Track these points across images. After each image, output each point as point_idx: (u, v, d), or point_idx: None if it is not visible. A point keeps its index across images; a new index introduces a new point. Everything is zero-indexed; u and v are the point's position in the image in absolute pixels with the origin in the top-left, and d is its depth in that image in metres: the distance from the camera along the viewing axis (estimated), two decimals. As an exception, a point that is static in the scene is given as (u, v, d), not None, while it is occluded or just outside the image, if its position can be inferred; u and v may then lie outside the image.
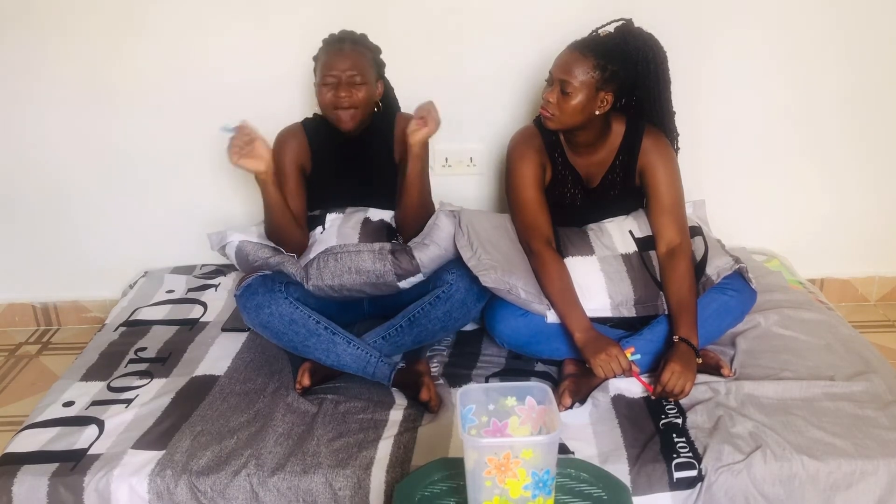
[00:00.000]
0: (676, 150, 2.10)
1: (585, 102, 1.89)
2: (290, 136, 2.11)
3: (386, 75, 2.12)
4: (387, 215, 2.13)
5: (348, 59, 1.97)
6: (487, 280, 1.90)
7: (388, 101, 2.16)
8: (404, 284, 2.00)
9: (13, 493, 1.64)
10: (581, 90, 1.87)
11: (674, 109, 2.05)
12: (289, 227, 2.02)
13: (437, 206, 2.24)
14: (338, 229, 2.06)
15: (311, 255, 2.01)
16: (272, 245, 2.05)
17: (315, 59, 2.05)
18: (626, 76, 1.92)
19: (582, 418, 1.79)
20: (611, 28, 1.96)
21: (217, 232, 2.10)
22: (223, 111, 2.44)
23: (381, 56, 2.09)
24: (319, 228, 2.09)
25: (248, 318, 1.96)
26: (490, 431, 1.30)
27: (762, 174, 2.58)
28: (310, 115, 2.17)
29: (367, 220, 2.10)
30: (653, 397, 1.82)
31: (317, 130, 2.12)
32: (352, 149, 2.09)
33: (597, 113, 1.92)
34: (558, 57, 1.92)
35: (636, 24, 1.97)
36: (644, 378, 1.85)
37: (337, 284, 1.97)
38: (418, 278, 2.00)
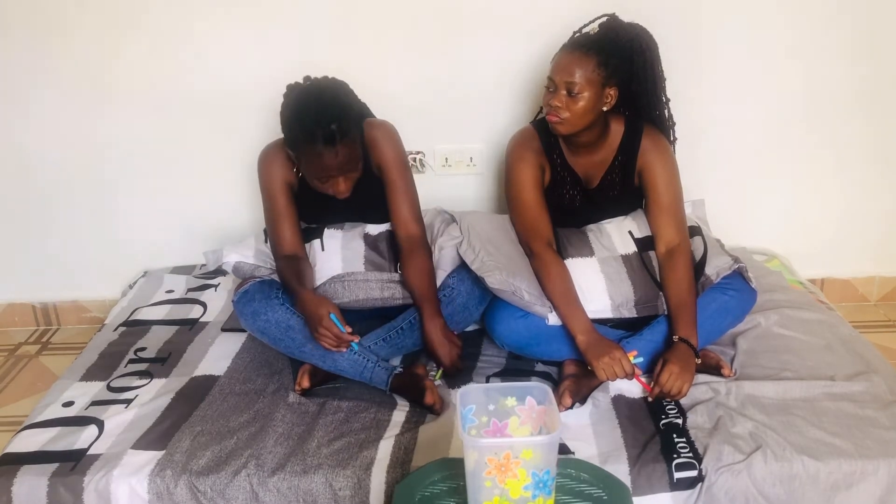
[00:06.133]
0: (674, 140, 2.10)
1: (595, 101, 1.88)
2: (273, 156, 2.01)
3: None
4: (386, 226, 2.11)
5: (340, 158, 1.82)
6: (493, 281, 1.90)
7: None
8: (411, 304, 2.01)
9: (13, 493, 1.64)
10: (588, 89, 1.86)
11: (668, 96, 2.04)
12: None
13: (436, 209, 2.25)
14: (341, 252, 2.05)
15: (317, 281, 2.01)
16: (269, 267, 2.05)
17: (293, 142, 1.86)
18: (626, 69, 1.92)
19: (582, 418, 1.79)
20: (595, 25, 1.97)
21: (213, 251, 2.11)
22: (223, 111, 2.47)
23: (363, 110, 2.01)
24: (318, 244, 2.07)
25: (246, 324, 1.96)
26: (490, 431, 1.30)
27: (762, 174, 2.58)
28: None
29: (367, 236, 2.09)
30: (650, 399, 1.82)
31: None
32: None
33: (604, 109, 1.92)
34: (557, 61, 1.91)
35: (638, 25, 1.97)
36: (644, 379, 1.84)
37: (343, 309, 1.98)
38: None
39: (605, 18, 1.96)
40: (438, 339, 1.92)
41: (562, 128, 1.91)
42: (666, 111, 2.05)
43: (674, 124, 2.09)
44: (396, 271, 2.05)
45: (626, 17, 1.98)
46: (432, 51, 2.39)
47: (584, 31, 1.97)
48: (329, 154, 1.81)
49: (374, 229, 2.11)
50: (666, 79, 2.01)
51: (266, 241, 2.14)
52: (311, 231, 2.09)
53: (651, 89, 1.98)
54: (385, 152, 2.01)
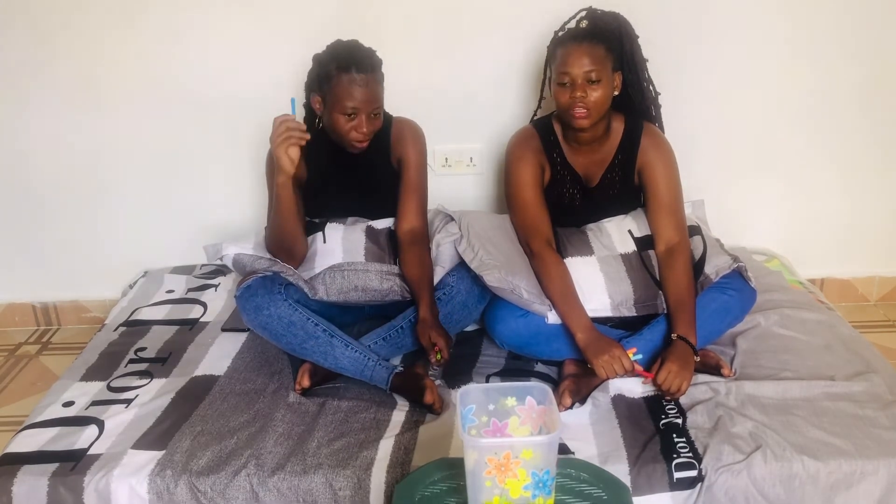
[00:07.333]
0: (661, 125, 2.12)
1: (610, 87, 1.92)
2: None
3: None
4: (389, 223, 2.13)
5: (369, 90, 1.91)
6: (491, 279, 1.90)
7: None
8: (409, 298, 2.02)
9: (13, 493, 1.64)
10: (604, 76, 1.89)
11: (649, 75, 2.07)
12: (297, 236, 2.02)
13: (436, 207, 2.25)
14: (342, 243, 2.06)
15: (317, 269, 2.02)
16: (269, 257, 2.05)
17: (324, 76, 1.93)
18: (621, 54, 1.96)
19: (582, 418, 1.79)
20: (572, 22, 2.01)
21: (213, 245, 2.11)
22: (223, 111, 2.47)
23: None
24: (320, 236, 2.08)
25: (248, 319, 1.96)
26: (490, 431, 1.30)
27: (762, 174, 2.58)
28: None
29: (370, 230, 2.11)
30: (651, 385, 1.81)
31: (310, 140, 2.06)
32: (349, 158, 2.06)
33: (615, 94, 1.96)
34: (566, 56, 1.89)
35: (618, 13, 2.01)
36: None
37: (342, 300, 1.99)
38: None
39: (584, 12, 2.00)
40: (430, 321, 1.90)
41: (587, 120, 1.92)
42: (651, 93, 2.07)
43: (660, 106, 2.11)
44: (395, 264, 2.06)
45: (628, 17, 2.00)
46: (432, 51, 2.40)
47: (569, 26, 2.00)
48: (359, 81, 1.89)
49: (377, 224, 2.13)
50: (648, 59, 2.05)
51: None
52: (313, 226, 2.11)
53: (641, 75, 2.03)
54: (409, 149, 2.09)
